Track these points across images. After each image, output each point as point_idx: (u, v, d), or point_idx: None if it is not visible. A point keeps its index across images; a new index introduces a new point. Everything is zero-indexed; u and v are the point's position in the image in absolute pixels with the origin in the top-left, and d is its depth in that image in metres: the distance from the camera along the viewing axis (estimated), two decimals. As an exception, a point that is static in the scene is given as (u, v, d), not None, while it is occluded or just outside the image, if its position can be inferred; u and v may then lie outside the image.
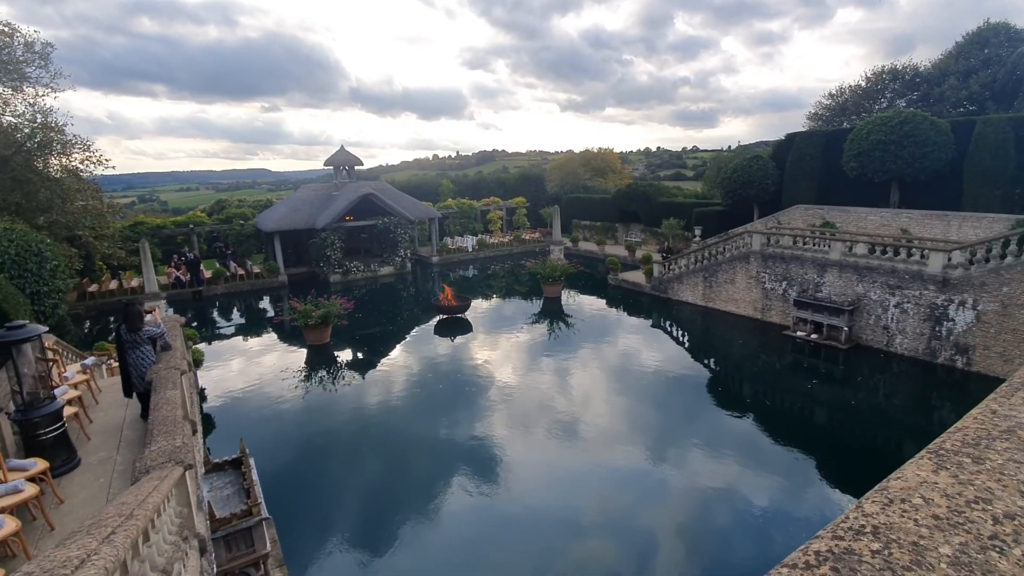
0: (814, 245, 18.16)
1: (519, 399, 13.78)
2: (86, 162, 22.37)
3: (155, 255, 24.56)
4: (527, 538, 8.75)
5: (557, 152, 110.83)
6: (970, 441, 1.53)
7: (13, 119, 20.86)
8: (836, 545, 1.09)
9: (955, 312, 14.68)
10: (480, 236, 36.11)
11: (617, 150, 58.56)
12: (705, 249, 21.81)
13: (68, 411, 7.41)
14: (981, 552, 1.07)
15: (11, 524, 4.92)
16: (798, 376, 15.50)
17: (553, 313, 21.89)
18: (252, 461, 9.03)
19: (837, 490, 10.03)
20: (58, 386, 7.99)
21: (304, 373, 15.87)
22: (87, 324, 22.18)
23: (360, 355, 17.96)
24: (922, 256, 15.50)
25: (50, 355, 8.86)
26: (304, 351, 17.66)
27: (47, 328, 7.86)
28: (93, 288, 24.18)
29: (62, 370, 9.40)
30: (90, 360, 10.46)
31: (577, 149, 62.48)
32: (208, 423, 12.63)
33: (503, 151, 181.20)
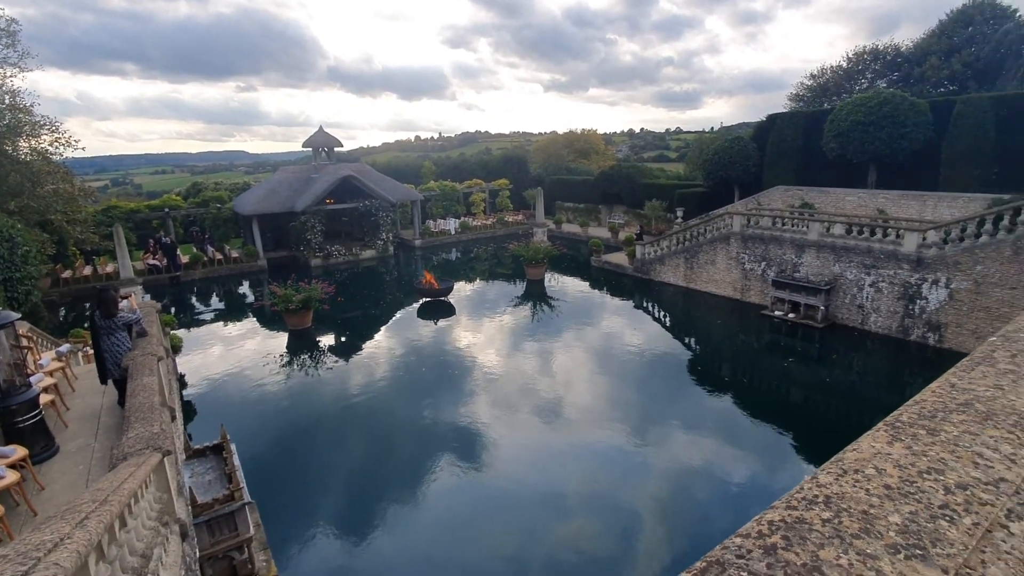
0: (793, 226, 18.39)
1: (503, 381, 13.86)
2: (55, 144, 21.63)
3: (130, 240, 23.96)
4: (512, 517, 8.88)
5: (541, 133, 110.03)
6: (926, 414, 1.56)
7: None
8: (789, 515, 1.11)
9: (928, 291, 15.04)
10: (463, 219, 35.88)
11: (601, 131, 58.36)
12: (687, 231, 21.96)
13: (45, 398, 7.31)
14: (931, 521, 1.10)
15: (-5, 509, 4.91)
16: (775, 355, 15.81)
17: (536, 295, 21.94)
18: (233, 447, 8.99)
19: (813, 465, 10.33)
20: (33, 373, 7.85)
21: (285, 358, 15.75)
22: (61, 311, 21.68)
23: (342, 339, 17.85)
24: (897, 236, 15.80)
25: (24, 342, 8.67)
26: (285, 336, 17.50)
27: (20, 315, 7.67)
28: (67, 274, 23.60)
29: (37, 357, 9.23)
30: (65, 347, 10.26)
31: (561, 130, 62.13)
32: (188, 410, 12.50)
33: (486, 132, 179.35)
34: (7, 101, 20.09)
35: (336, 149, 32.06)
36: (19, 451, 5.93)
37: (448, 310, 19.99)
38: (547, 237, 27.19)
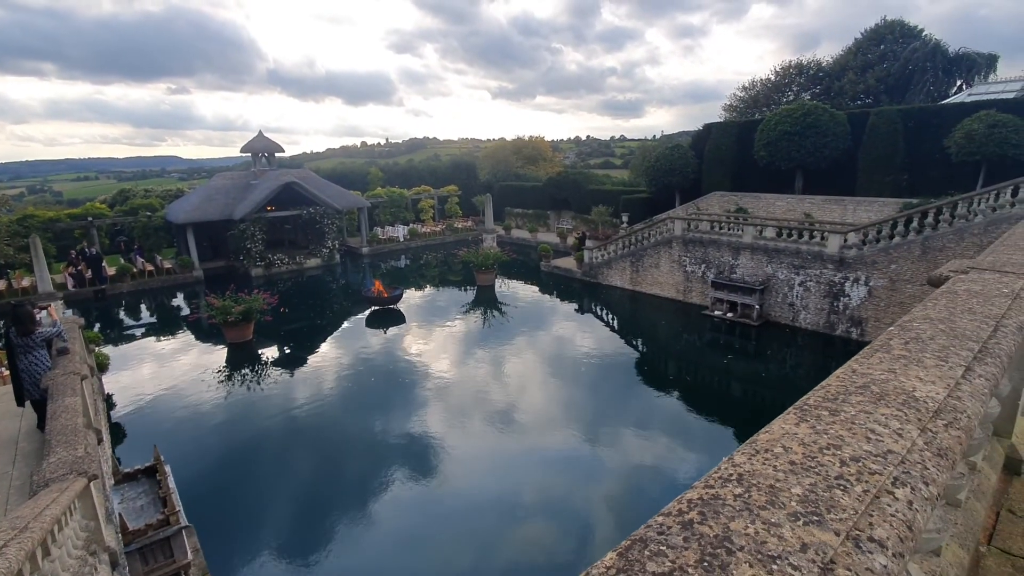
0: (729, 230, 19.34)
1: (455, 389, 13.81)
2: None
3: (49, 252, 22.29)
4: (465, 528, 8.82)
5: (489, 140, 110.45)
6: (830, 396, 1.73)
7: None
8: (706, 493, 1.21)
9: (850, 288, 16.18)
10: (412, 225, 35.50)
11: (548, 138, 59.31)
12: (632, 235, 22.65)
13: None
14: (827, 490, 1.23)
15: None
16: (715, 352, 16.55)
17: (486, 301, 22.00)
18: (168, 468, 8.52)
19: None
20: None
21: (225, 373, 15.05)
22: (-33, 330, 19.82)
23: (286, 351, 17.25)
24: (822, 238, 16.91)
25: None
26: (224, 350, 16.72)
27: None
28: (-26, 290, 21.63)
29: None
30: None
31: (509, 137, 62.72)
32: (117, 432, 11.72)
33: (434, 138, 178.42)
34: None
35: (277, 155, 31.04)
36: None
37: (398, 318, 19.71)
38: (497, 243, 27.33)
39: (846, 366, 2.02)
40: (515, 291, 23.84)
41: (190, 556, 7.24)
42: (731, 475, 1.29)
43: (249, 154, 30.21)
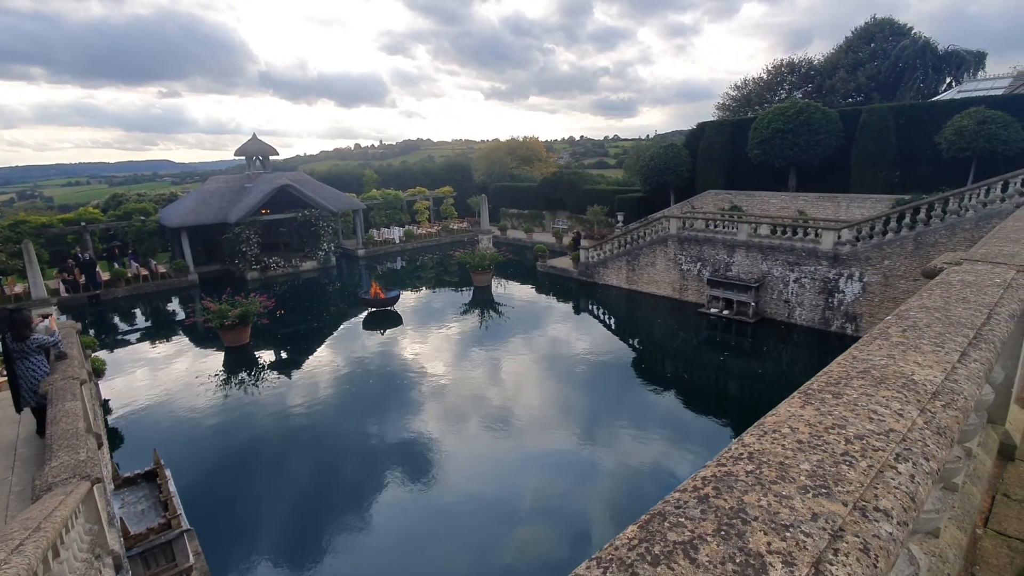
0: (724, 228, 19.47)
1: (452, 392, 13.83)
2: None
3: (42, 257, 22.17)
4: (465, 531, 8.82)
5: (483, 141, 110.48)
6: (832, 381, 1.80)
7: None
8: (719, 470, 1.27)
9: (844, 284, 16.33)
10: (407, 227, 35.50)
11: (542, 139, 59.42)
12: (627, 234, 22.75)
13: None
14: (834, 466, 1.30)
15: None
16: (712, 350, 16.66)
17: (483, 302, 22.04)
18: (168, 472, 8.52)
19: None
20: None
21: (222, 377, 15.02)
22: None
23: (284, 354, 17.24)
24: (816, 235, 17.05)
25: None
26: (221, 354, 16.68)
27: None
28: (-34, 296, 21.46)
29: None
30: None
31: (503, 138, 62.74)
32: (115, 437, 11.69)
33: (428, 140, 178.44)
34: None
35: (272, 157, 30.96)
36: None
37: (395, 320, 19.72)
38: (492, 243, 27.39)
39: (847, 353, 2.09)
40: (512, 292, 23.90)
41: (192, 560, 7.24)
42: (742, 454, 1.35)
43: (243, 157, 30.14)
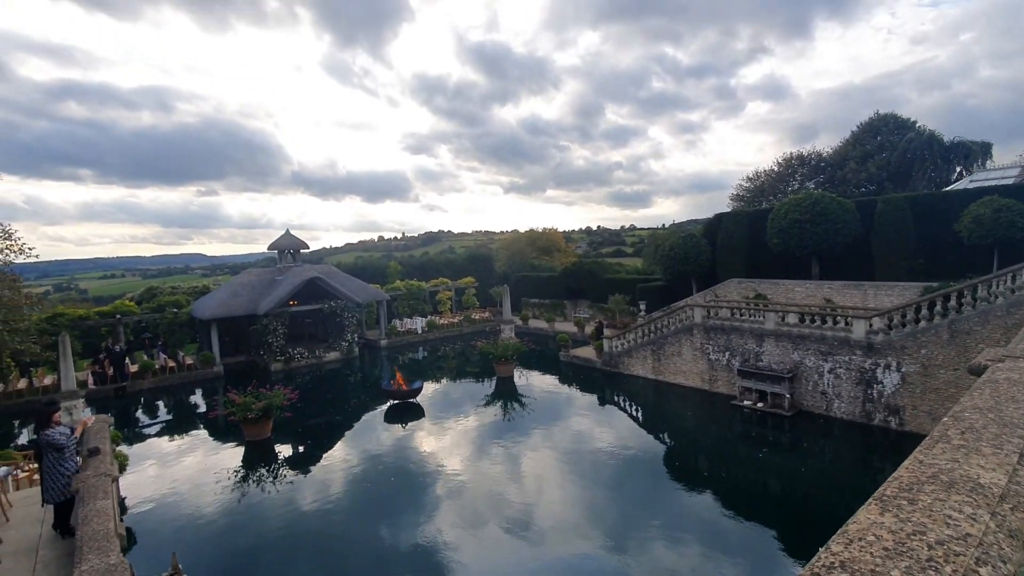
0: (750, 316, 19.26)
1: (473, 489, 13.23)
2: (5, 251, 21.13)
3: (75, 348, 22.83)
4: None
5: (503, 232, 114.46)
6: (905, 487, 1.83)
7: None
8: (818, 580, 1.25)
9: (882, 375, 15.70)
10: (429, 317, 35.99)
11: (560, 229, 61.28)
12: (651, 323, 22.62)
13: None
14: (922, 572, 1.32)
15: None
16: (749, 446, 15.79)
17: (507, 393, 21.66)
18: (182, 578, 8.09)
19: (795, 558, 9.99)
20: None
21: (243, 473, 14.68)
22: (-12, 429, 19.90)
23: (303, 449, 16.89)
24: (847, 323, 16.72)
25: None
26: (241, 448, 16.44)
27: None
28: (-2, 389, 21.97)
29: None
30: (1, 470, 9.34)
31: (522, 229, 65.05)
32: (128, 536, 11.28)
33: (449, 231, 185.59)
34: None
35: (301, 251, 32.44)
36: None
37: (417, 412, 19.40)
38: (514, 333, 27.41)
39: (912, 457, 2.10)
40: (535, 382, 23.52)
41: None
42: (833, 563, 1.38)
43: (275, 251, 31.62)
